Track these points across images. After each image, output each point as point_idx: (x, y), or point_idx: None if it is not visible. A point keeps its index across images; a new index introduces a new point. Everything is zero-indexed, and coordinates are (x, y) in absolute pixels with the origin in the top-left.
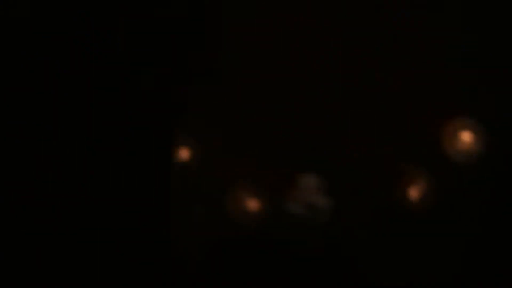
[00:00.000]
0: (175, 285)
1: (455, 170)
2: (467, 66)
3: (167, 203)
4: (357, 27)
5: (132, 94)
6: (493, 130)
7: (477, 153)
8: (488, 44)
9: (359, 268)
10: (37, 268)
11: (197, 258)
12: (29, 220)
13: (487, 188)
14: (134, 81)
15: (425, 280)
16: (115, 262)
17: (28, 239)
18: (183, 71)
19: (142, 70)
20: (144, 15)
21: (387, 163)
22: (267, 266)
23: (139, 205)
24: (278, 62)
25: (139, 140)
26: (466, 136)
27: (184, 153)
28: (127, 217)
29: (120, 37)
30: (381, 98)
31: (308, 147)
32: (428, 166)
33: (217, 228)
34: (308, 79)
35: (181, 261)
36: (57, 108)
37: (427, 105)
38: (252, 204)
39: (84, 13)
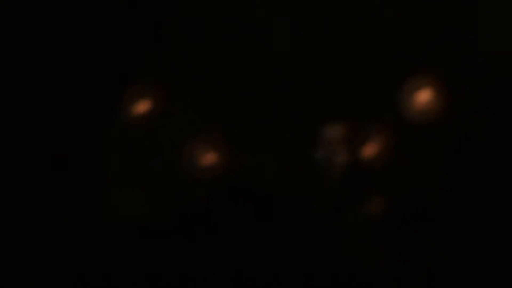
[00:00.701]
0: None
1: (412, 129)
2: (428, 23)
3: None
4: None
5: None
6: (451, 88)
7: (435, 112)
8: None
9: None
10: None
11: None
12: None
13: (444, 147)
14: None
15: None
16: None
17: None
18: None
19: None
20: None
21: (343, 121)
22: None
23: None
24: (246, 17)
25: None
26: (424, 95)
27: (143, 105)
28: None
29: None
30: (338, 56)
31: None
32: (386, 124)
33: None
34: (268, 36)
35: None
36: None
37: (385, 63)
38: (210, 158)
39: None
